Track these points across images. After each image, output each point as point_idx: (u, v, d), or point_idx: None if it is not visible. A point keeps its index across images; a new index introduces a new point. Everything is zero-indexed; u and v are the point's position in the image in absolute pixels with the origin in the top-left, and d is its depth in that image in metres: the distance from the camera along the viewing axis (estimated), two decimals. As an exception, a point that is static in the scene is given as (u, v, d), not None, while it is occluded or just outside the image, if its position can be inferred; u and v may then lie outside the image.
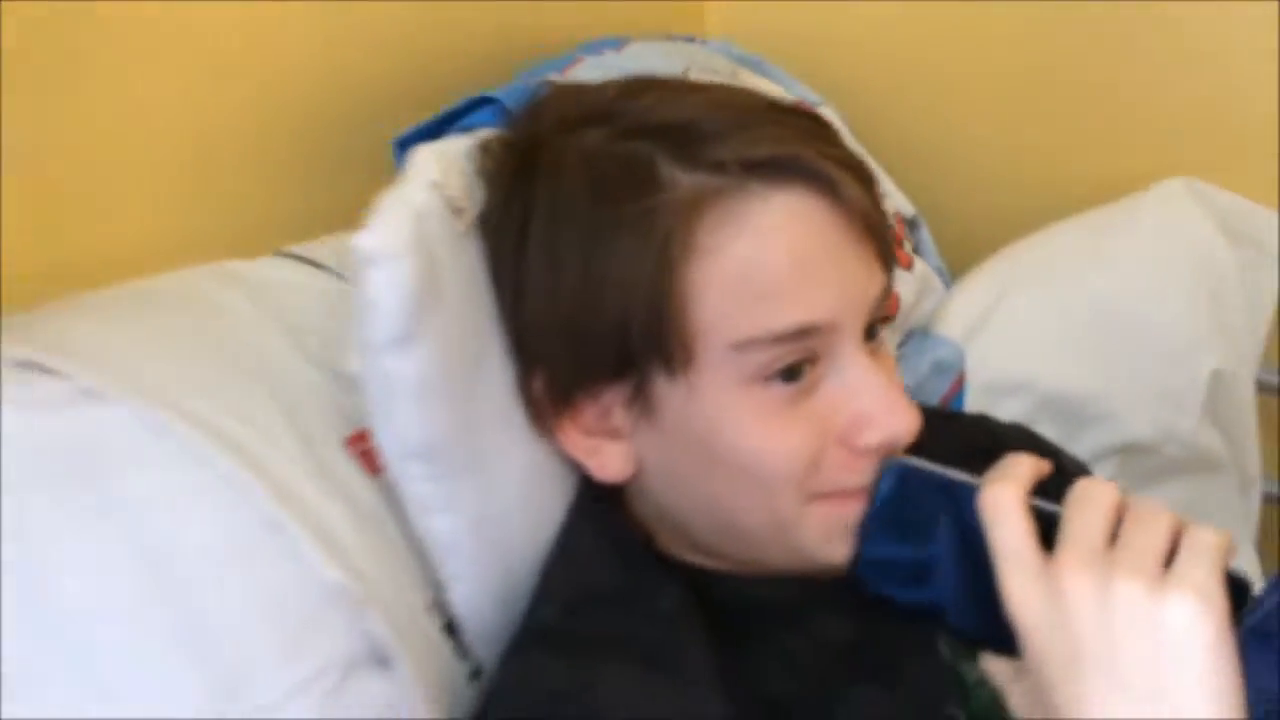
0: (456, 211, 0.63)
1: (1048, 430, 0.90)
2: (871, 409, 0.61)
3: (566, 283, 0.61)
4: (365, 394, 0.60)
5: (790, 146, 0.61)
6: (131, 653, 0.52)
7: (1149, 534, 0.52)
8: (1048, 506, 0.55)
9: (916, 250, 1.00)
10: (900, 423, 0.61)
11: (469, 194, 0.64)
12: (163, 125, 0.74)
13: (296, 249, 0.72)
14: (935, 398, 0.90)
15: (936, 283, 0.96)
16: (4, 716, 0.50)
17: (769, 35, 1.17)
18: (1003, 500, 0.54)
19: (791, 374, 0.60)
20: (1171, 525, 0.52)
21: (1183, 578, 0.50)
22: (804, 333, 0.60)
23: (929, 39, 1.14)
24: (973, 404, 0.91)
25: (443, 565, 0.63)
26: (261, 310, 0.65)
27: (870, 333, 0.63)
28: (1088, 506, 0.53)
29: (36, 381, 0.56)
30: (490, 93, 0.75)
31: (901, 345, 0.93)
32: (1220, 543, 0.51)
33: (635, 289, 0.60)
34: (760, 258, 0.59)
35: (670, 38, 1.09)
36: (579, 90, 0.68)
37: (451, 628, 0.64)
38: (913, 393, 0.86)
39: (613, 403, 0.63)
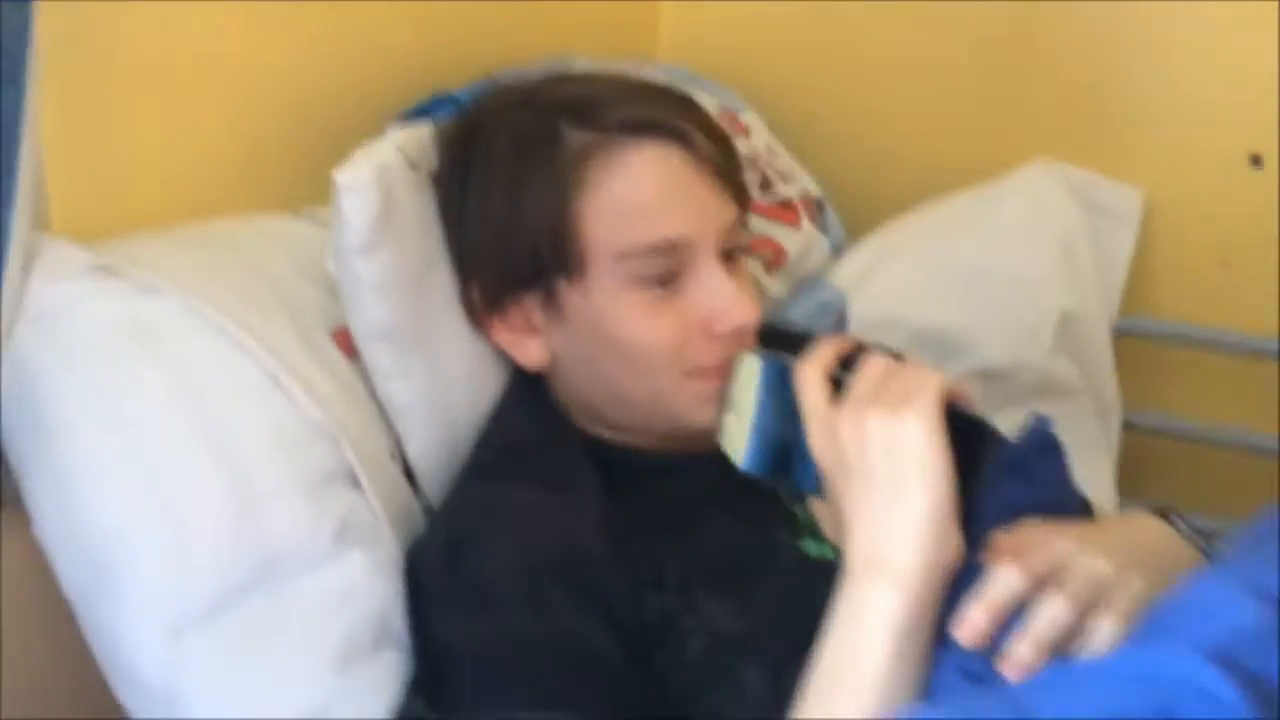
0: (413, 165, 0.86)
1: (919, 357, 1.10)
2: (722, 305, 0.82)
3: (495, 215, 0.84)
4: (339, 291, 0.83)
5: (656, 111, 0.83)
6: (175, 452, 0.75)
7: (897, 382, 0.73)
8: (842, 375, 0.76)
9: (822, 227, 1.21)
10: (743, 315, 0.82)
11: (424, 155, 0.87)
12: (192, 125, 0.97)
13: (307, 210, 0.95)
14: (822, 330, 1.11)
15: (822, 243, 1.18)
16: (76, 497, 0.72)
17: (713, 52, 1.39)
18: (805, 375, 0.75)
19: (659, 277, 0.81)
20: (914, 373, 0.73)
21: (910, 404, 0.71)
22: (666, 245, 0.81)
23: (837, 52, 1.35)
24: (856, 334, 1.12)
25: (398, 422, 0.85)
26: (276, 245, 0.89)
27: (729, 251, 0.84)
28: (863, 372, 0.74)
29: (108, 280, 0.79)
30: (452, 92, 0.99)
31: (794, 292, 1.14)
32: (938, 382, 0.72)
33: (544, 216, 0.82)
34: (632, 190, 0.81)
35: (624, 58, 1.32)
36: (512, 83, 0.91)
37: (409, 474, 0.86)
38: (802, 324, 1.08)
39: (530, 306, 0.85)
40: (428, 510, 0.86)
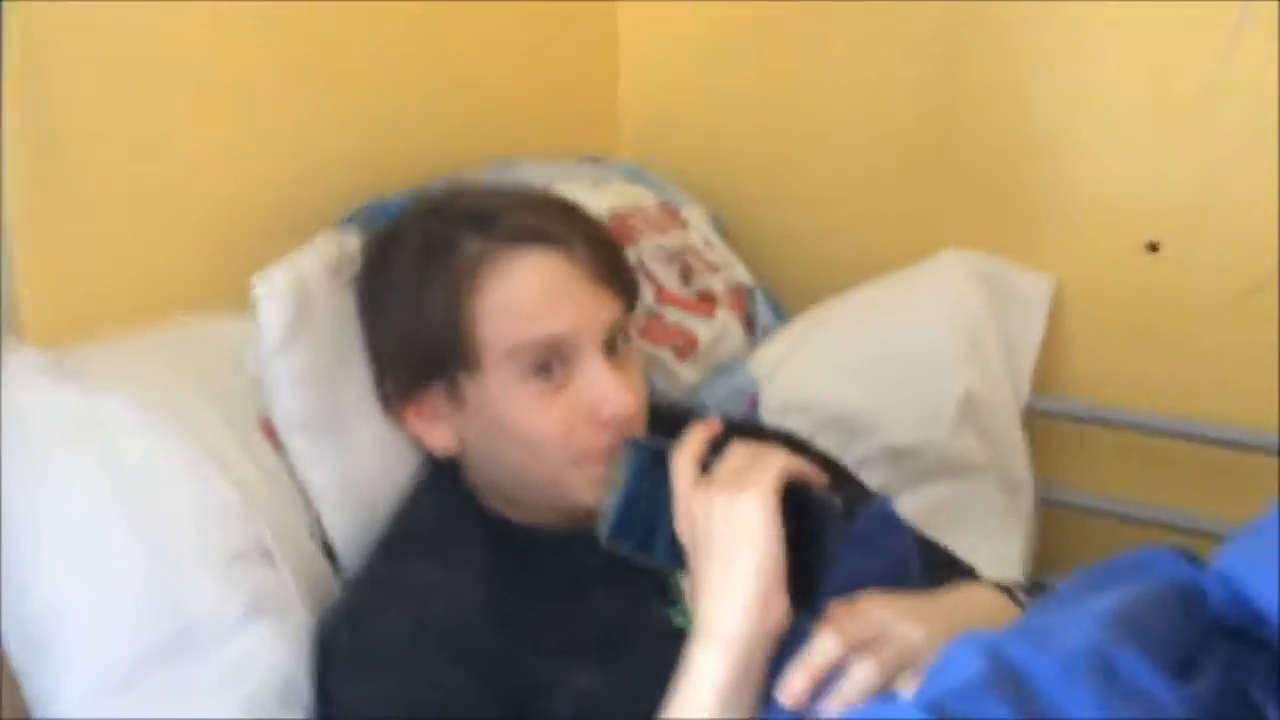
0: (334, 271, 0.97)
1: (828, 438, 1.19)
2: (602, 395, 0.91)
3: (403, 315, 0.95)
4: (262, 385, 0.94)
5: (542, 222, 0.94)
6: (105, 532, 0.86)
7: (749, 467, 0.81)
8: (711, 460, 0.85)
9: (747, 315, 1.31)
10: (622, 404, 0.91)
11: (344, 260, 0.98)
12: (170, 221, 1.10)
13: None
14: (735, 414, 1.21)
15: (738, 332, 1.28)
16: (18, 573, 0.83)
17: (668, 156, 1.51)
18: (677, 461, 0.84)
19: (546, 371, 0.91)
20: (764, 460, 0.82)
21: (751, 486, 0.79)
22: (550, 342, 0.91)
23: (783, 155, 1.47)
24: (768, 419, 1.21)
25: (317, 504, 0.96)
26: (217, 345, 1.00)
27: (614, 344, 0.94)
28: (724, 458, 0.83)
29: (63, 380, 0.91)
30: (384, 200, 1.11)
31: (709, 377, 1.24)
32: (778, 465, 0.80)
33: (443, 316, 0.92)
34: (517, 293, 0.91)
35: (580, 160, 1.43)
36: (431, 195, 1.02)
37: (329, 551, 0.96)
38: (714, 410, 1.17)
39: (436, 397, 0.95)
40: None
